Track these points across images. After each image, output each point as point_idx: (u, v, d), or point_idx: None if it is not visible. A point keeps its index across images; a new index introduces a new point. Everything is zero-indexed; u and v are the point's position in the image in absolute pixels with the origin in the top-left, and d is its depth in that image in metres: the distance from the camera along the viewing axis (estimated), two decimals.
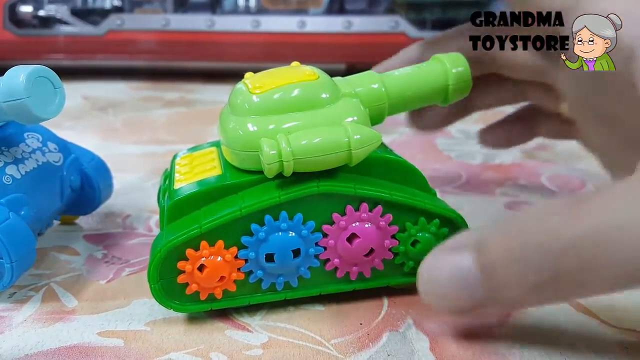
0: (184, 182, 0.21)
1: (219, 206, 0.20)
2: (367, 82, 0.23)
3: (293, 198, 0.20)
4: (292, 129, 0.20)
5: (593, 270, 0.16)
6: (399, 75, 0.23)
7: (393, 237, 0.22)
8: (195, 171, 0.22)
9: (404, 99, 0.23)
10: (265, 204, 0.20)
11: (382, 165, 0.22)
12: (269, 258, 0.20)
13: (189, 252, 0.20)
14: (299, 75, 0.21)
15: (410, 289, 0.23)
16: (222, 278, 0.20)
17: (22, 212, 0.22)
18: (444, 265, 0.18)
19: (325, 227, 0.21)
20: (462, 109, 0.30)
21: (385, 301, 0.22)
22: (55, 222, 0.29)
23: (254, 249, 0.20)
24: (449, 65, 0.23)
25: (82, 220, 0.29)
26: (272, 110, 0.20)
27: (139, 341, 0.20)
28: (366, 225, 0.21)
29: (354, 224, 0.21)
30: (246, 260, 0.20)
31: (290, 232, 0.20)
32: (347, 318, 0.21)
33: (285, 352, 0.19)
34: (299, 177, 0.20)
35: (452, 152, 0.40)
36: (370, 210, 0.21)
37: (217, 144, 0.24)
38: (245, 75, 0.22)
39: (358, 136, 0.19)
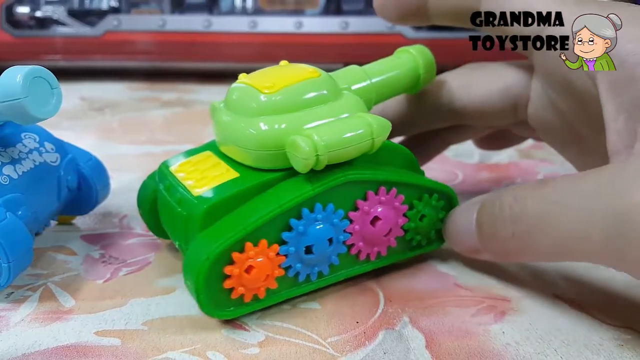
0: (203, 188, 0.21)
1: (252, 206, 0.20)
2: (355, 76, 0.24)
3: (325, 189, 0.21)
4: (314, 124, 0.21)
5: (536, 236, 0.19)
6: (381, 68, 0.25)
7: (404, 215, 0.23)
8: (210, 176, 0.22)
9: (386, 90, 0.25)
10: (302, 198, 0.20)
11: (385, 151, 0.22)
12: (307, 250, 0.21)
13: (235, 255, 0.20)
14: (303, 73, 0.22)
15: (406, 287, 0.23)
16: (266, 277, 0.20)
17: (20, 212, 0.22)
18: (460, 215, 0.23)
19: (351, 214, 0.22)
20: (438, 147, 0.31)
21: (382, 299, 0.23)
22: (53, 222, 0.29)
23: (294, 244, 0.21)
24: (418, 56, 0.25)
25: (79, 220, 0.29)
26: (286, 108, 0.21)
27: (136, 340, 0.20)
28: (384, 208, 0.22)
29: (375, 208, 0.22)
30: (286, 256, 0.21)
31: (325, 223, 0.21)
32: (344, 316, 0.21)
33: (282, 351, 0.19)
34: (323, 169, 0.21)
35: (448, 151, 0.40)
36: (387, 193, 0.22)
37: (209, 147, 0.24)
38: (240, 76, 0.22)
39: (377, 125, 0.21)
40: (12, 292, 0.23)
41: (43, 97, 0.21)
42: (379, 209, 0.22)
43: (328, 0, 0.61)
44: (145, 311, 0.22)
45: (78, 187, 0.27)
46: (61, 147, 0.26)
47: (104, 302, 0.22)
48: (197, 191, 0.21)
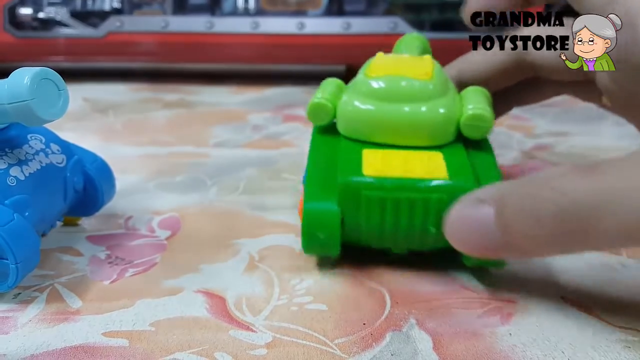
0: (442, 173, 0.23)
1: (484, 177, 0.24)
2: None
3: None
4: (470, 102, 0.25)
5: (591, 228, 0.17)
6: (417, 45, 0.30)
7: None
8: (429, 161, 0.24)
9: None
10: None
11: None
12: None
13: None
14: (426, 62, 0.26)
15: (412, 288, 0.23)
16: None
17: (26, 214, 0.22)
18: (468, 216, 0.20)
19: None
20: (504, 107, 0.31)
21: (388, 301, 0.23)
22: (58, 223, 0.29)
23: None
24: (421, 38, 0.30)
25: (85, 222, 0.29)
26: (442, 91, 0.25)
27: (144, 341, 0.20)
28: None
29: None
30: None
31: None
32: (351, 318, 0.21)
33: (290, 352, 0.19)
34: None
35: None
36: None
37: (353, 147, 0.25)
38: (371, 69, 0.26)
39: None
40: (19, 293, 0.23)
41: (50, 99, 0.21)
42: None
43: (330, 1, 0.61)
44: (153, 312, 0.22)
45: (84, 188, 0.27)
46: (67, 148, 0.26)
47: (111, 303, 0.22)
48: (441, 176, 0.23)
